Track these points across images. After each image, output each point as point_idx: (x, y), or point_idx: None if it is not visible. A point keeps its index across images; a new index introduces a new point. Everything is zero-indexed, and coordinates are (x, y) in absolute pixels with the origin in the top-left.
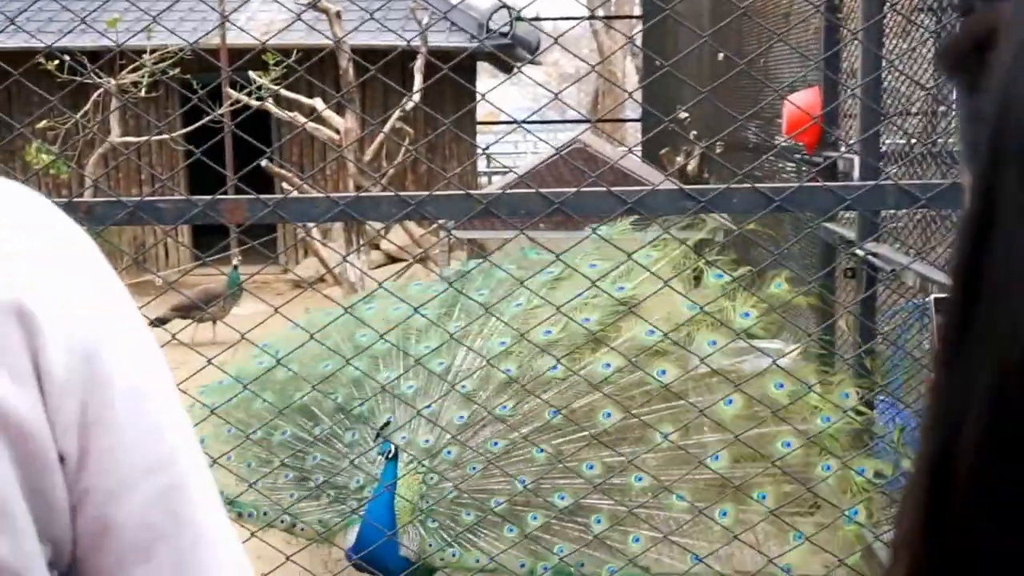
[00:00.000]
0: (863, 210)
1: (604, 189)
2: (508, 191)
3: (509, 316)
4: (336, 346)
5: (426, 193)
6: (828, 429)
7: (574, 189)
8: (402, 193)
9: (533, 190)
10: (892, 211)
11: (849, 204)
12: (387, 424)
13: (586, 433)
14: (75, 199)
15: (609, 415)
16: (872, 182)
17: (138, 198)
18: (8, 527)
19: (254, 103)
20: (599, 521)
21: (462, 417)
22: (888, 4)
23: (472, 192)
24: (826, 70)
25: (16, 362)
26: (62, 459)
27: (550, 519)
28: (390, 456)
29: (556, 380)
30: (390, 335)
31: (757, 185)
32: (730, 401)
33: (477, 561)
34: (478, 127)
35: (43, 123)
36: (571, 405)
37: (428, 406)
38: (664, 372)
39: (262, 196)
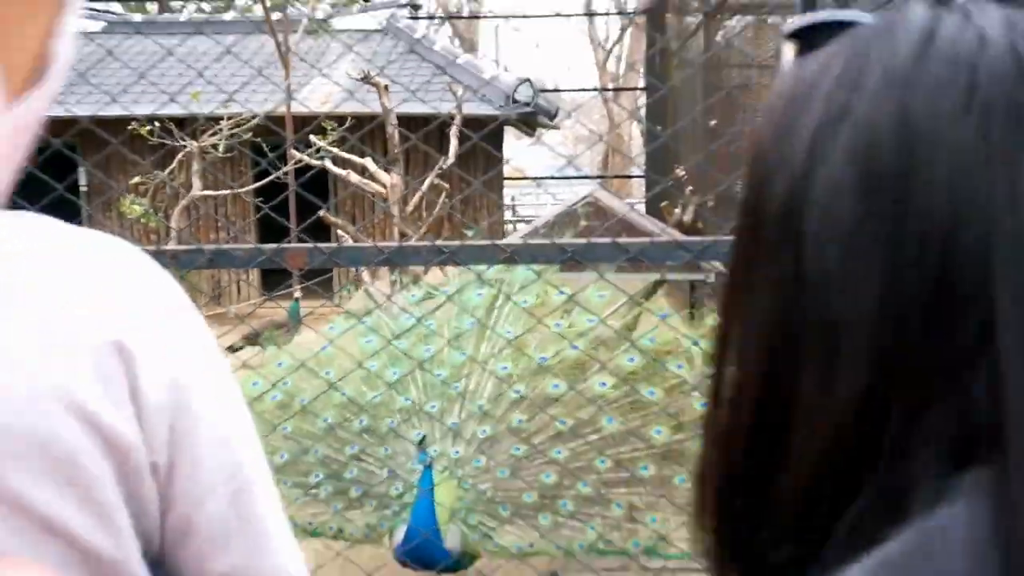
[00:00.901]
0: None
1: (611, 241)
2: (529, 242)
3: (504, 344)
4: (358, 374)
5: (458, 243)
6: None
7: (585, 241)
8: (438, 243)
9: (550, 241)
10: None
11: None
12: (423, 439)
13: (594, 437)
14: (162, 247)
15: (612, 421)
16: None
17: (215, 246)
18: (113, 527)
19: (314, 163)
20: (619, 506)
21: (484, 431)
22: None
23: (498, 243)
24: None
25: (118, 391)
26: (154, 469)
27: (578, 508)
28: (427, 465)
29: (561, 398)
30: (401, 365)
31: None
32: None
33: (518, 548)
34: (505, 182)
35: (135, 180)
36: (577, 414)
37: (454, 423)
38: (653, 392)
39: (320, 245)
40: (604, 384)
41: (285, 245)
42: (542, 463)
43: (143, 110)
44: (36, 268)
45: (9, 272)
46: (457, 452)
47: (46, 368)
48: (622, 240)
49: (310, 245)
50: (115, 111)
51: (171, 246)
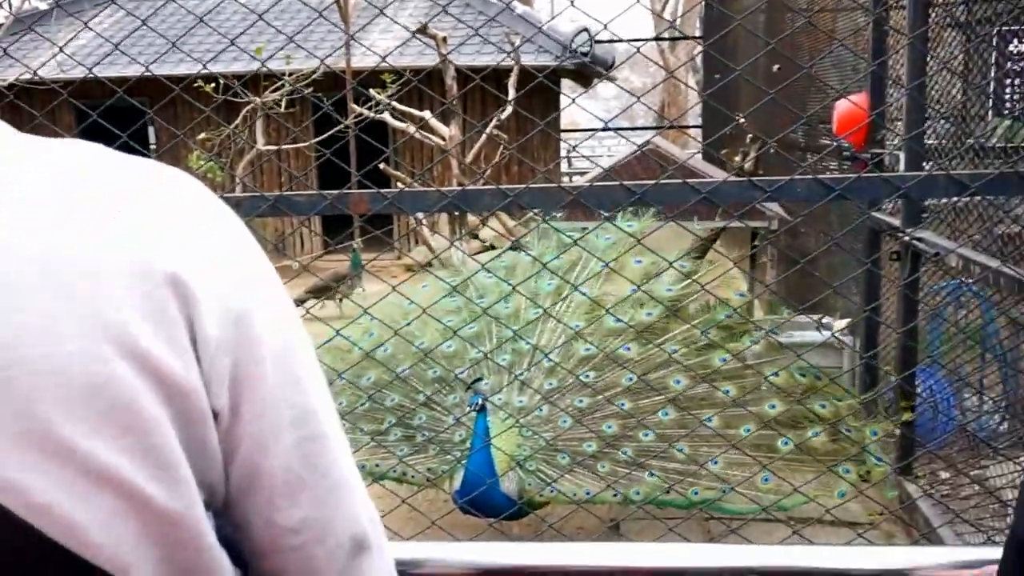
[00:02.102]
0: (916, 197)
1: (680, 181)
2: (595, 183)
3: (579, 302)
4: (435, 325)
5: (523, 186)
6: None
7: (653, 181)
8: (501, 186)
9: (617, 183)
10: (933, 201)
11: (904, 192)
12: (478, 380)
13: (660, 396)
14: (226, 195)
15: (679, 382)
16: (924, 172)
17: (277, 193)
18: (172, 478)
19: (374, 116)
20: (682, 450)
21: (551, 383)
22: (931, 17)
23: (563, 185)
24: (878, 72)
25: (173, 329)
26: (216, 414)
27: (638, 457)
28: (478, 408)
29: (631, 360)
30: (482, 318)
31: (818, 176)
32: (776, 374)
33: (574, 495)
34: (561, 135)
35: (202, 135)
36: (646, 375)
37: (521, 373)
38: (725, 359)
39: (382, 191)
40: (675, 350)
41: (347, 191)
42: (604, 415)
43: (210, 67)
44: (87, 191)
45: (59, 193)
46: (521, 402)
47: (97, 302)
48: (692, 180)
49: (372, 190)
50: (183, 70)
51: (235, 194)
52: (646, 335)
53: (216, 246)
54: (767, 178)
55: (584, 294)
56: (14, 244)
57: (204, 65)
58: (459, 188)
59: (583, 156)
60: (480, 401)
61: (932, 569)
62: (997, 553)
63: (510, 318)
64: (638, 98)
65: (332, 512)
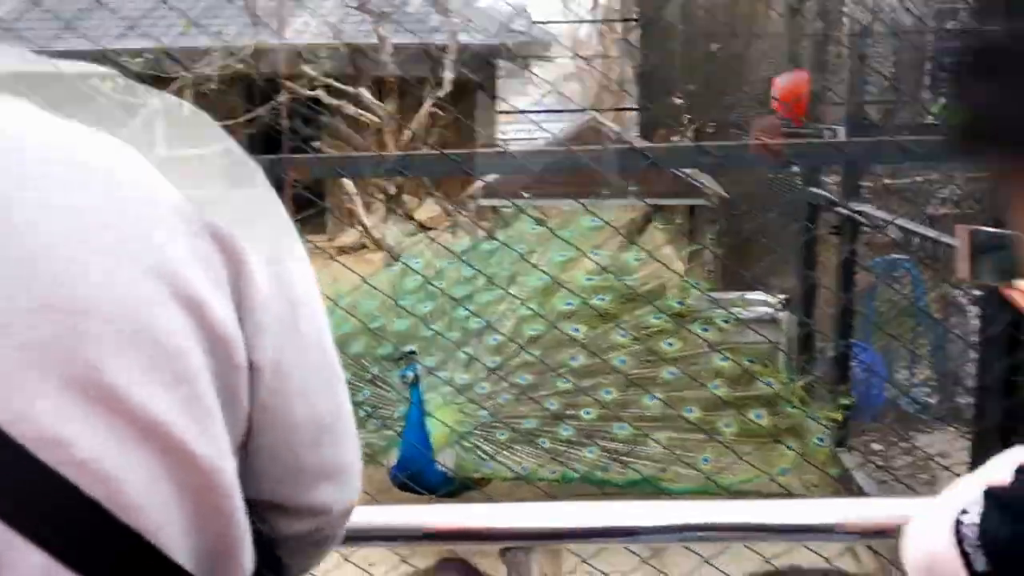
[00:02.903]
0: (863, 163)
1: (629, 147)
2: (547, 148)
3: (531, 287)
4: (384, 306)
5: (470, 151)
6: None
7: (602, 147)
8: (448, 152)
9: (563, 147)
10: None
11: (849, 157)
12: (410, 352)
13: (604, 375)
14: None
15: (624, 361)
16: (869, 139)
17: None
18: (209, 433)
19: (308, 93)
20: (623, 427)
21: (495, 361)
22: None
23: (509, 150)
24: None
25: (217, 274)
26: (253, 366)
27: (577, 436)
28: (412, 381)
29: (577, 340)
30: (429, 301)
31: (767, 142)
32: (725, 359)
33: (512, 471)
34: (499, 117)
35: None
36: (592, 359)
37: (464, 351)
38: (671, 343)
39: (322, 155)
40: (624, 334)
41: (286, 155)
42: (547, 393)
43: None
44: (119, 143)
45: (98, 144)
46: (464, 379)
47: (147, 241)
48: (642, 146)
49: (312, 155)
50: (107, 44)
51: None
52: (596, 319)
53: (253, 200)
54: (717, 143)
55: (550, 273)
56: (79, 159)
57: (160, 41)
58: (401, 154)
59: (517, 140)
60: (412, 374)
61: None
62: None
63: (464, 300)
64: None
65: (342, 456)
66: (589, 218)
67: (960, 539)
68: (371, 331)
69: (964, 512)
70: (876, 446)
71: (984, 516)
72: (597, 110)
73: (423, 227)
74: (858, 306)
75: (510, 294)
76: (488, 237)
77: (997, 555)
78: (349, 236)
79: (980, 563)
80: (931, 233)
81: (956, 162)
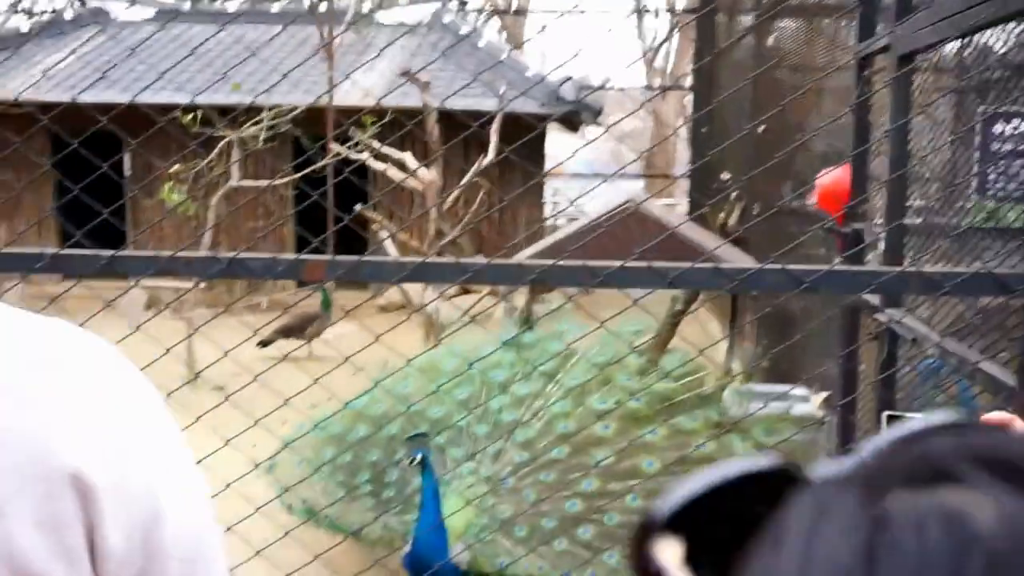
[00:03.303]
0: (888, 293)
1: (646, 265)
2: (557, 263)
3: (568, 387)
4: (421, 388)
5: (484, 262)
6: None
7: (618, 264)
8: (462, 260)
9: (579, 263)
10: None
11: (874, 289)
12: (420, 434)
13: (632, 478)
14: (177, 254)
15: (652, 464)
16: (897, 268)
17: (231, 255)
18: None
19: (354, 156)
20: None
21: (523, 456)
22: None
23: (523, 263)
24: (855, 158)
25: (69, 538)
26: None
27: (597, 539)
28: (419, 462)
29: (608, 440)
30: (464, 389)
31: (788, 267)
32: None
33: (526, 568)
34: (547, 179)
35: (176, 167)
36: (620, 462)
37: (494, 444)
38: (704, 446)
39: (339, 258)
40: (655, 432)
41: (303, 256)
42: (569, 494)
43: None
44: None
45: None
46: (489, 471)
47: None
48: (658, 265)
49: (328, 257)
50: (161, 99)
51: (186, 253)
52: (631, 421)
53: (121, 430)
54: (734, 267)
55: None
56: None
57: (193, 98)
58: (418, 261)
59: (565, 201)
60: (420, 456)
61: None
62: None
63: (501, 389)
64: (639, 156)
65: None
66: (633, 323)
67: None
68: (408, 414)
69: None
70: None
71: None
72: (645, 176)
73: (465, 290)
74: (901, 409)
75: (565, 392)
76: (527, 325)
77: None
78: (392, 293)
79: None
80: (971, 356)
81: (991, 296)
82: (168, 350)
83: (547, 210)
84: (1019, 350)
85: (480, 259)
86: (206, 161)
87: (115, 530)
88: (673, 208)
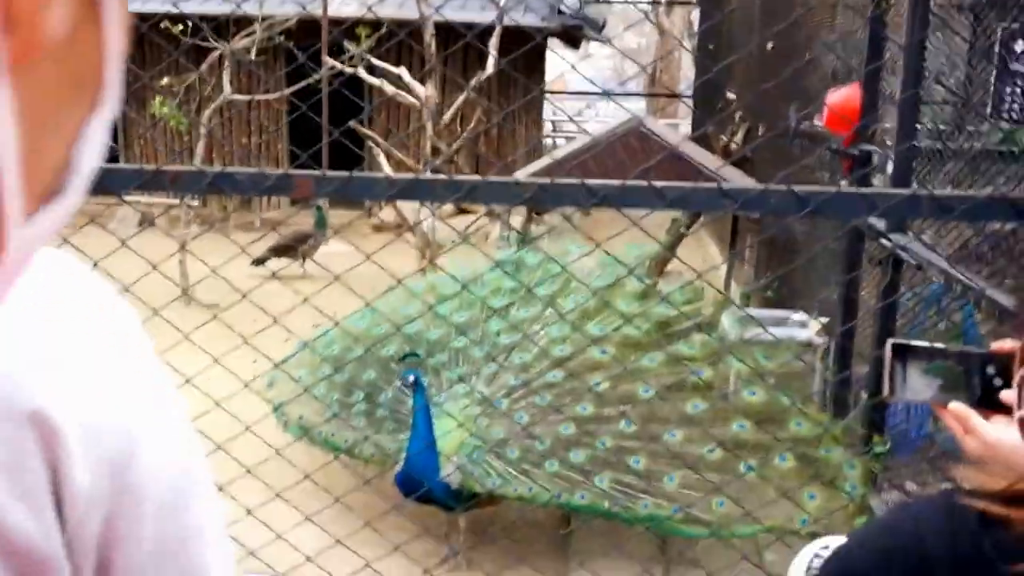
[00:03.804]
0: (896, 218)
1: (647, 185)
2: (555, 181)
3: (568, 309)
4: (420, 311)
5: (477, 179)
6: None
7: (618, 183)
8: (455, 177)
9: (578, 181)
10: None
11: (883, 212)
12: (412, 355)
13: (625, 406)
14: (162, 167)
15: (648, 391)
16: (907, 191)
17: (218, 169)
18: None
19: (348, 69)
20: (637, 462)
21: (519, 379)
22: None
23: (520, 181)
24: (867, 76)
25: (31, 481)
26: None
27: (589, 462)
28: (412, 384)
29: (604, 365)
30: (464, 312)
31: (794, 187)
32: (753, 393)
33: (515, 490)
34: (547, 95)
35: (166, 80)
36: (616, 386)
37: (490, 366)
38: (701, 373)
39: (329, 174)
40: (652, 360)
41: (292, 172)
42: (564, 418)
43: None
44: None
45: None
46: (483, 393)
47: None
48: (659, 184)
49: (318, 173)
50: (151, 7)
51: (172, 167)
52: (628, 347)
53: (95, 369)
54: (737, 187)
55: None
56: None
57: (175, 3)
58: (410, 177)
59: (572, 120)
60: (412, 377)
61: None
62: None
63: (500, 312)
64: (643, 67)
65: None
66: (634, 245)
67: (808, 568)
68: (405, 336)
69: (824, 548)
70: (911, 485)
71: (829, 556)
72: (648, 95)
73: (462, 210)
74: (901, 336)
75: (561, 316)
76: (528, 243)
77: None
78: (386, 212)
79: None
80: (976, 283)
81: (1004, 221)
82: (155, 267)
83: (547, 130)
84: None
85: (475, 177)
86: (196, 73)
87: (83, 472)
88: (676, 128)
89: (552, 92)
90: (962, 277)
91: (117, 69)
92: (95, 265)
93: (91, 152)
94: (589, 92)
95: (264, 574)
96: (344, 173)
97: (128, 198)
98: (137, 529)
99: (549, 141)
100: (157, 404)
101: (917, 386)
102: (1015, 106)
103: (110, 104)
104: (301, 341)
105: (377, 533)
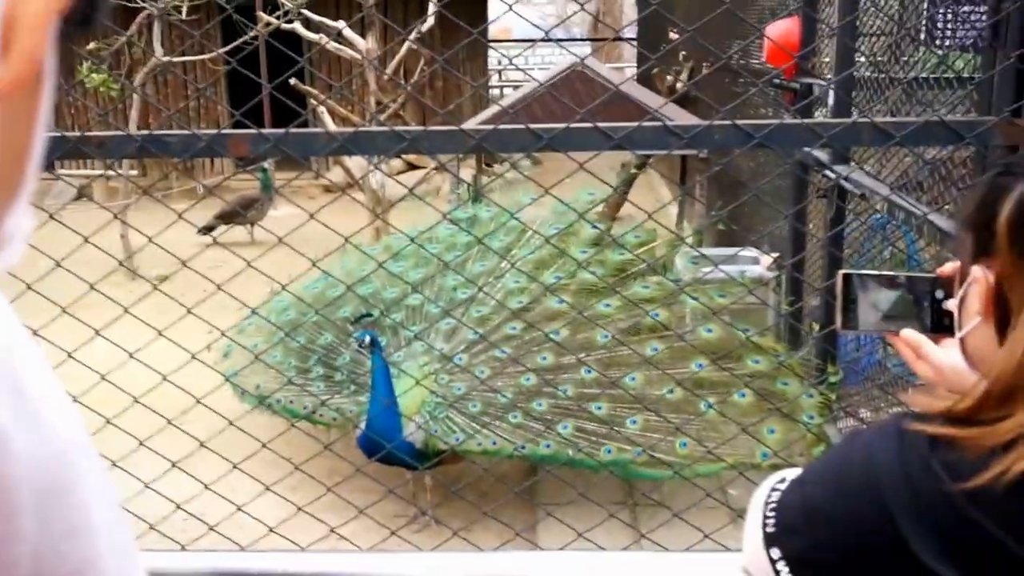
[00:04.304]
0: (838, 146)
1: (591, 125)
2: (499, 127)
3: (522, 260)
4: (378, 272)
5: (420, 128)
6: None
7: (563, 125)
8: (398, 128)
9: (523, 126)
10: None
11: (825, 142)
12: (366, 315)
13: (585, 353)
14: (87, 134)
15: (607, 336)
16: (848, 120)
17: (146, 132)
18: None
19: (285, 26)
20: (599, 408)
21: (477, 333)
22: None
23: (464, 128)
24: (805, 7)
25: None
26: None
27: (551, 411)
28: (368, 344)
29: (562, 313)
30: (419, 269)
31: (737, 122)
32: (709, 330)
33: (479, 444)
34: (492, 45)
35: (91, 44)
36: (574, 335)
37: (448, 321)
38: (657, 315)
39: (264, 131)
40: (608, 305)
41: (226, 131)
42: (524, 369)
43: None
44: None
45: None
46: (442, 349)
47: None
48: (604, 125)
49: (253, 131)
50: None
51: (98, 132)
52: (585, 294)
53: None
54: (682, 124)
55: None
56: None
57: None
58: (351, 131)
59: (518, 68)
60: (369, 338)
61: None
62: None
63: (456, 267)
64: (581, 6)
65: None
66: (587, 190)
67: (767, 501)
68: (360, 296)
69: (782, 481)
70: (864, 412)
71: (785, 488)
72: (592, 40)
73: (411, 166)
74: (848, 265)
75: (514, 267)
76: (478, 196)
77: (776, 518)
78: (335, 174)
79: (770, 525)
80: (919, 209)
81: (943, 145)
82: (86, 240)
83: (493, 81)
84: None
85: (419, 128)
86: (125, 36)
87: None
88: (622, 72)
89: (496, 40)
90: (905, 203)
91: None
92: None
93: (19, 224)
94: (533, 40)
95: (226, 549)
96: (281, 130)
97: (63, 172)
98: (16, 524)
99: (496, 92)
100: (14, 388)
101: (868, 316)
102: (948, 32)
103: (32, 185)
104: (251, 309)
105: (341, 499)
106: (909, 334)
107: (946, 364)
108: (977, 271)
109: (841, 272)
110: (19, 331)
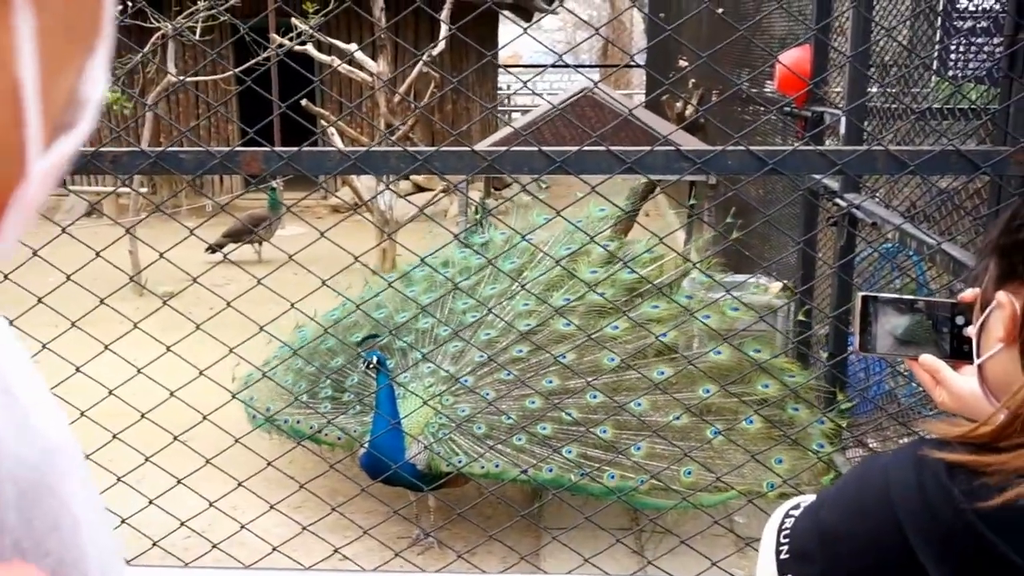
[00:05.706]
0: (852, 174)
1: (604, 148)
2: (513, 148)
3: (533, 282)
4: (384, 299)
5: (433, 149)
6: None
7: (575, 148)
8: (410, 148)
9: (536, 148)
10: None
11: (839, 169)
12: (372, 336)
13: (590, 378)
14: (101, 149)
15: (613, 360)
16: (863, 147)
17: (160, 148)
18: None
19: (297, 48)
20: (604, 431)
21: (482, 356)
22: None
23: (477, 149)
24: (818, 34)
25: None
26: None
27: (556, 435)
28: (374, 366)
29: (570, 336)
30: (431, 293)
31: (752, 148)
32: (719, 352)
33: (483, 467)
34: (500, 69)
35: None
36: (581, 357)
37: (455, 344)
38: (665, 335)
39: (277, 149)
40: (616, 327)
41: (239, 148)
42: (529, 393)
43: None
44: None
45: None
46: (448, 371)
47: None
48: (616, 148)
49: (266, 149)
50: None
51: (111, 147)
52: (594, 316)
53: None
54: (696, 148)
55: (564, 262)
56: None
57: None
58: (363, 150)
59: (531, 92)
60: (375, 359)
61: None
62: None
63: (469, 291)
64: (596, 30)
65: None
66: (597, 206)
67: (781, 528)
68: (375, 320)
69: (795, 507)
70: (872, 443)
71: (799, 514)
72: (602, 66)
73: (419, 187)
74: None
75: (524, 288)
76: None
77: (790, 544)
78: (344, 193)
79: (784, 552)
80: (932, 239)
81: (957, 174)
82: (98, 254)
83: (501, 105)
84: (978, 229)
85: (430, 148)
86: (140, 56)
87: None
88: (631, 98)
89: (506, 66)
90: (917, 232)
91: (113, 8)
92: (35, 254)
93: (95, 86)
94: (543, 65)
95: (230, 567)
96: (293, 148)
97: (75, 188)
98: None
99: (504, 118)
100: (1, 387)
101: (886, 339)
102: (960, 63)
103: (108, 42)
104: (281, 342)
105: (345, 518)
106: (928, 359)
107: (964, 390)
108: (1002, 296)
109: (860, 294)
110: (5, 333)
